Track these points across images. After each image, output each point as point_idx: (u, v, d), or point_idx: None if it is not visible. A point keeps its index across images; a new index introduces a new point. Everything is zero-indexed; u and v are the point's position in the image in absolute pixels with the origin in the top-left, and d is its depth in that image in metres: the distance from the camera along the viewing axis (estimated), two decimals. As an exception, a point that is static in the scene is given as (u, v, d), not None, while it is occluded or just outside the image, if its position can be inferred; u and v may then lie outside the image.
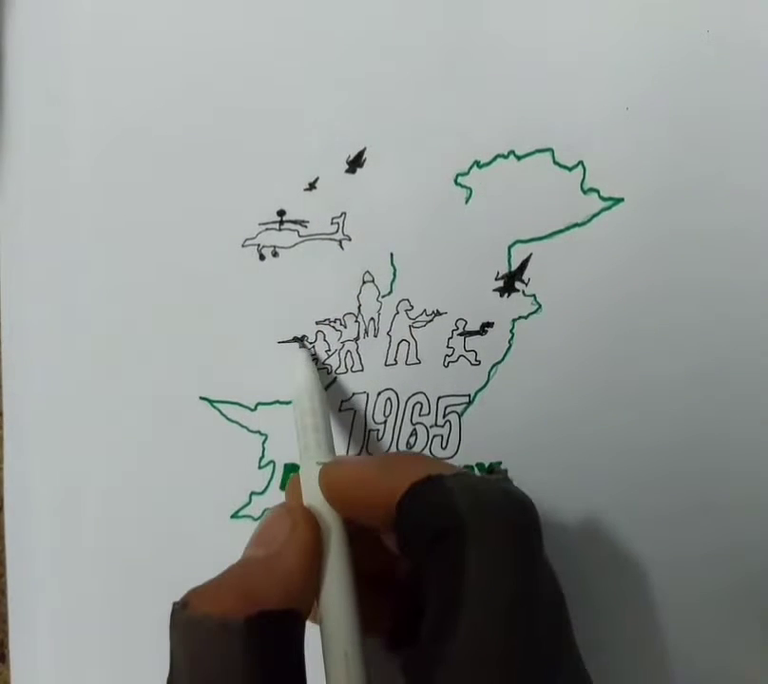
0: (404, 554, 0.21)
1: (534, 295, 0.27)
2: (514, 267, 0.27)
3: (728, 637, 0.26)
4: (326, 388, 0.28)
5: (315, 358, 0.27)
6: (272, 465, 0.28)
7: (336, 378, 0.28)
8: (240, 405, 0.28)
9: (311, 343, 0.28)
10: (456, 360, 0.27)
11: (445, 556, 0.18)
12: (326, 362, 0.28)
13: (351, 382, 0.28)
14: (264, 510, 0.28)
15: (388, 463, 0.22)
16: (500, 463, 0.26)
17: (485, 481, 0.20)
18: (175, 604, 0.19)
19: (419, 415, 0.27)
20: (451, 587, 0.18)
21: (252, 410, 0.28)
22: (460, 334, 0.27)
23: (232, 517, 0.28)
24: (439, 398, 0.27)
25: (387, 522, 0.20)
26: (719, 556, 0.26)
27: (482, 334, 0.27)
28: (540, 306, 0.27)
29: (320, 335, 0.28)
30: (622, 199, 0.26)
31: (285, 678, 0.19)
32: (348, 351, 0.28)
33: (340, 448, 0.28)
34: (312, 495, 0.23)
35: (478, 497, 0.19)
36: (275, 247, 0.28)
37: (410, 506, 0.20)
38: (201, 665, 0.18)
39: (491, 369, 0.27)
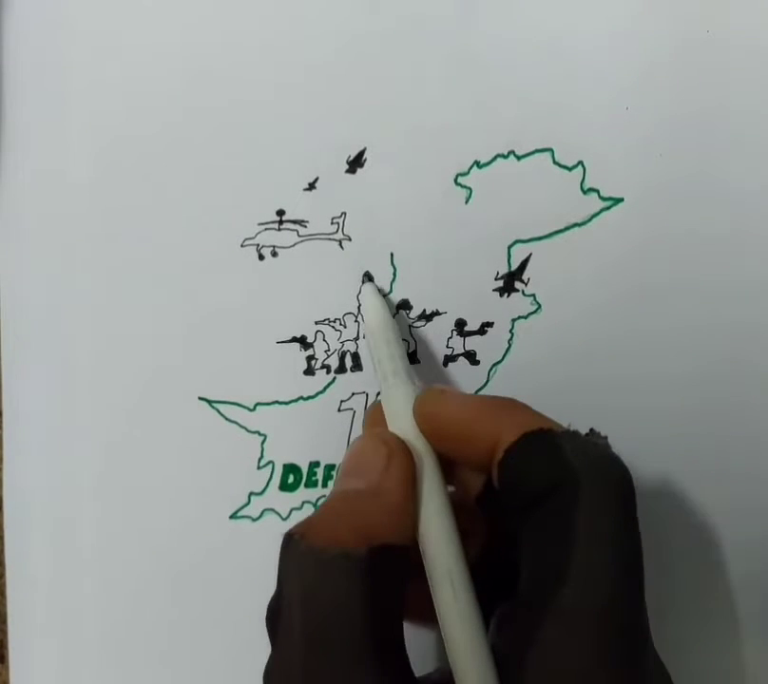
0: (502, 499, 0.21)
1: (534, 295, 0.27)
2: (514, 267, 0.27)
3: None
4: (325, 388, 0.28)
5: (380, 290, 0.27)
6: (271, 465, 0.28)
7: (335, 378, 0.28)
8: (239, 405, 0.28)
9: (310, 343, 0.28)
10: (456, 360, 0.27)
11: (554, 511, 0.19)
12: (325, 362, 0.28)
13: (351, 382, 0.28)
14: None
15: (495, 405, 0.21)
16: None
17: (594, 443, 0.21)
18: (289, 535, 0.19)
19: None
20: (561, 543, 0.18)
21: (251, 411, 0.28)
22: (460, 334, 0.27)
23: (231, 517, 0.28)
24: (439, 398, 0.27)
25: (480, 462, 0.21)
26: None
27: (482, 334, 0.27)
28: (540, 306, 0.27)
29: (320, 335, 0.28)
30: (621, 199, 0.26)
31: (393, 612, 0.19)
32: (348, 350, 0.28)
33: (340, 448, 0.28)
34: (398, 424, 0.22)
35: (591, 457, 0.19)
36: (274, 247, 0.28)
37: (520, 455, 0.20)
38: (317, 595, 0.18)
39: (491, 369, 0.27)
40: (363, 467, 0.21)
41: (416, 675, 0.19)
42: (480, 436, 0.21)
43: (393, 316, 0.26)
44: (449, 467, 0.23)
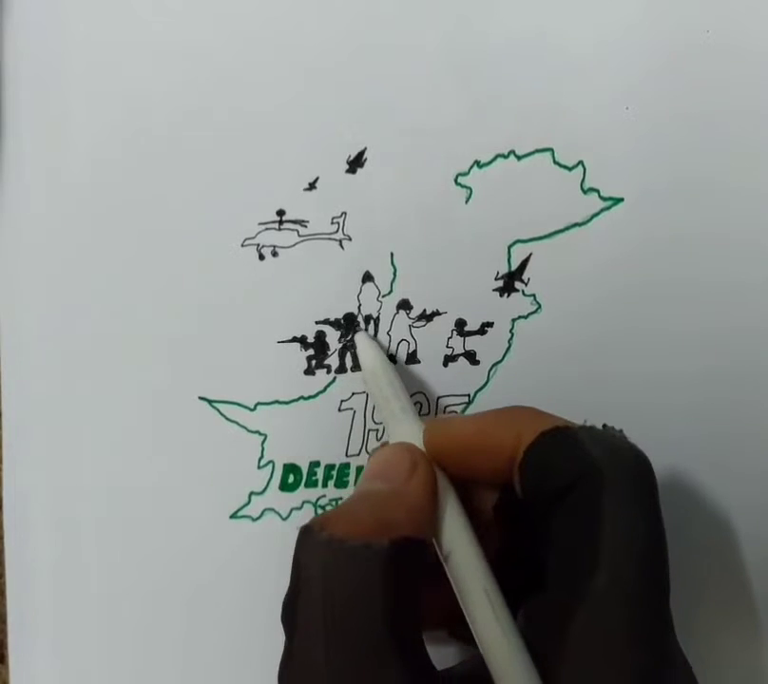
0: (525, 501, 0.21)
1: (534, 295, 0.27)
2: (514, 267, 0.27)
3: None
4: (325, 388, 0.28)
5: (375, 338, 0.27)
6: (271, 465, 0.28)
7: (335, 378, 0.28)
8: (240, 405, 0.28)
9: (310, 342, 0.28)
10: (456, 360, 0.27)
11: (580, 502, 0.19)
12: (326, 362, 0.28)
13: (351, 382, 0.28)
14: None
15: (505, 415, 0.22)
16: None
17: (612, 435, 0.21)
18: (308, 527, 0.19)
19: (419, 415, 0.27)
20: (590, 532, 0.18)
21: (251, 410, 0.28)
22: (460, 334, 0.27)
23: (231, 517, 0.28)
24: (439, 398, 0.27)
25: (498, 472, 0.21)
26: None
27: (482, 334, 0.27)
28: (540, 306, 0.27)
29: (320, 335, 0.28)
30: (621, 199, 0.26)
31: (412, 605, 0.19)
32: (348, 350, 0.28)
33: (340, 448, 0.28)
34: None
35: (610, 448, 0.20)
36: (274, 247, 0.28)
37: (540, 454, 0.20)
38: (339, 584, 0.18)
39: (491, 369, 0.27)
40: (387, 473, 0.21)
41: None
42: (496, 445, 0.21)
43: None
44: (460, 491, 0.23)
